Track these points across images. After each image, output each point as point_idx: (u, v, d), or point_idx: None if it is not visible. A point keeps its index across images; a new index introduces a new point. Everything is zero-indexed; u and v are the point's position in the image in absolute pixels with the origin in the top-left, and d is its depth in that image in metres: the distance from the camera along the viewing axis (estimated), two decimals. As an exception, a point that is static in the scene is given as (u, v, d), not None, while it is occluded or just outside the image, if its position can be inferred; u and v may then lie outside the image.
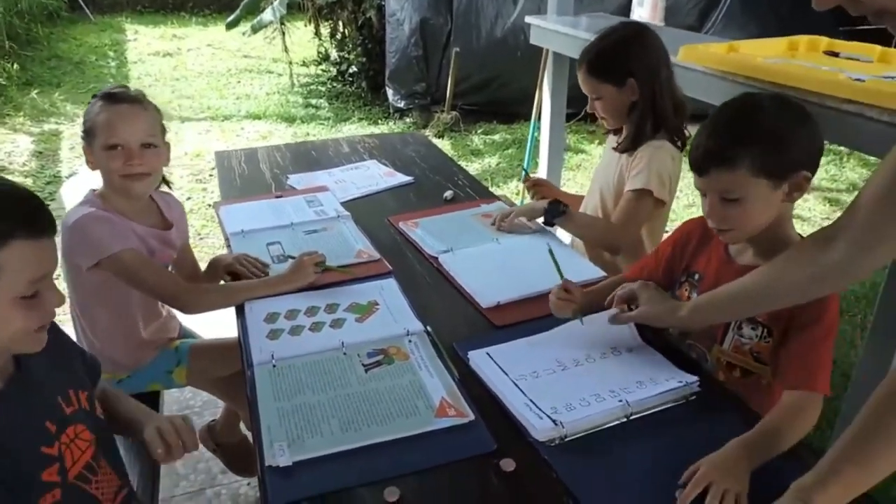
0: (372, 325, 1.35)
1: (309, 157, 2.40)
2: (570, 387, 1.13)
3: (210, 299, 1.49)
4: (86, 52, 7.88)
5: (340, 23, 6.70)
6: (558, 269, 1.39)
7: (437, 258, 1.64)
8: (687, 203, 4.13)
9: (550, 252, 1.46)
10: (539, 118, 3.43)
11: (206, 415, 2.23)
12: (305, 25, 7.31)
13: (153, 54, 7.93)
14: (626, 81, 1.65)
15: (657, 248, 1.47)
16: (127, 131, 1.43)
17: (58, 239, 0.91)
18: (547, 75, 3.14)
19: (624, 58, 1.65)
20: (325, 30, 7.00)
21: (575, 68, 1.75)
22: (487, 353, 1.23)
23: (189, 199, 4.06)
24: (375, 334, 1.30)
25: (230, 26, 6.72)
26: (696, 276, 1.33)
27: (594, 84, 1.69)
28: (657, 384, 1.13)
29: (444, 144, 5.12)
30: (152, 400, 1.62)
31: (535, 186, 1.99)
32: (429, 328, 1.33)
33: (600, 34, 1.72)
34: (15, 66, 6.56)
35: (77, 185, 4.24)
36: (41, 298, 0.87)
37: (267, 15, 6.45)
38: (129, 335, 1.58)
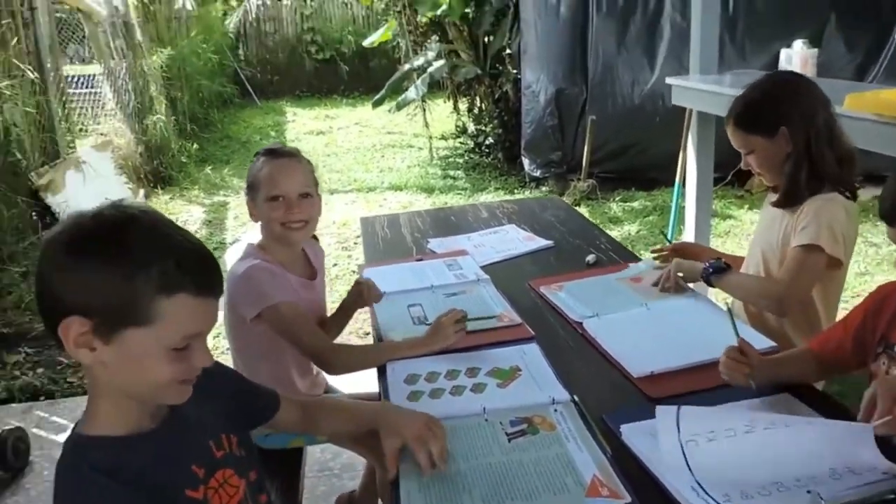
0: (515, 391, 1.29)
1: (448, 223, 2.44)
2: (746, 467, 0.98)
3: (353, 359, 1.52)
4: (252, 133, 8.75)
5: (478, 97, 6.95)
6: (735, 329, 1.26)
7: (581, 323, 1.56)
8: (859, 271, 3.70)
9: (729, 311, 1.33)
10: (683, 183, 3.28)
11: (345, 477, 2.24)
12: (445, 102, 7.68)
13: (308, 133, 8.66)
14: (778, 131, 1.52)
15: (846, 316, 1.29)
16: (286, 183, 1.53)
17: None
18: (691, 137, 3.01)
19: (774, 105, 1.54)
20: (462, 105, 7.31)
21: (720, 128, 1.65)
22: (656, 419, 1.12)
23: (335, 265, 4.27)
24: (519, 401, 1.24)
25: (376, 104, 7.20)
26: (896, 349, 1.15)
27: (744, 137, 1.58)
28: (857, 475, 0.96)
29: (582, 212, 5.02)
30: (294, 459, 1.64)
31: (675, 252, 1.84)
32: (575, 397, 1.25)
33: (749, 85, 1.62)
34: (194, 145, 7.43)
35: (239, 250, 4.61)
36: (191, 353, 0.88)
37: (410, 93, 6.85)
38: (284, 389, 1.62)
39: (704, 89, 2.55)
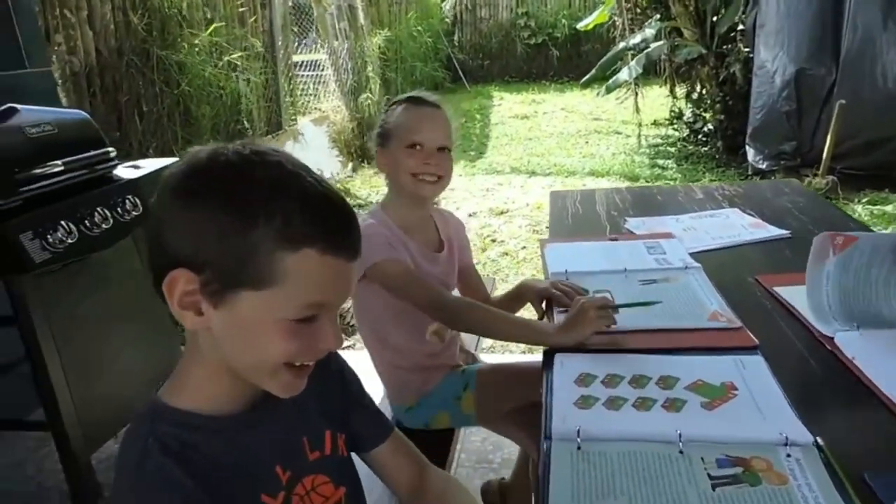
0: (726, 416, 0.93)
1: (653, 202, 2.06)
2: None
3: (473, 317, 1.31)
4: (458, 115, 8.78)
5: (699, 80, 6.25)
6: None
7: (832, 338, 1.13)
8: None
9: None
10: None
11: (504, 473, 2.00)
12: (661, 86, 7.05)
13: (513, 117, 8.52)
14: None
15: None
16: (427, 132, 1.36)
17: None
18: None
19: None
20: (680, 89, 6.63)
21: None
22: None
23: (524, 248, 4.04)
24: (731, 432, 0.88)
25: (585, 85, 6.84)
26: None
27: None
28: None
29: (836, 206, 4.25)
30: (441, 442, 1.43)
31: None
32: (820, 441, 0.86)
33: None
34: (401, 125, 7.65)
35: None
36: (314, 330, 0.69)
37: (622, 75, 6.37)
38: (416, 353, 1.46)
39: None
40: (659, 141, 6.54)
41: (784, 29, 4.89)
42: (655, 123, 6.91)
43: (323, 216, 0.67)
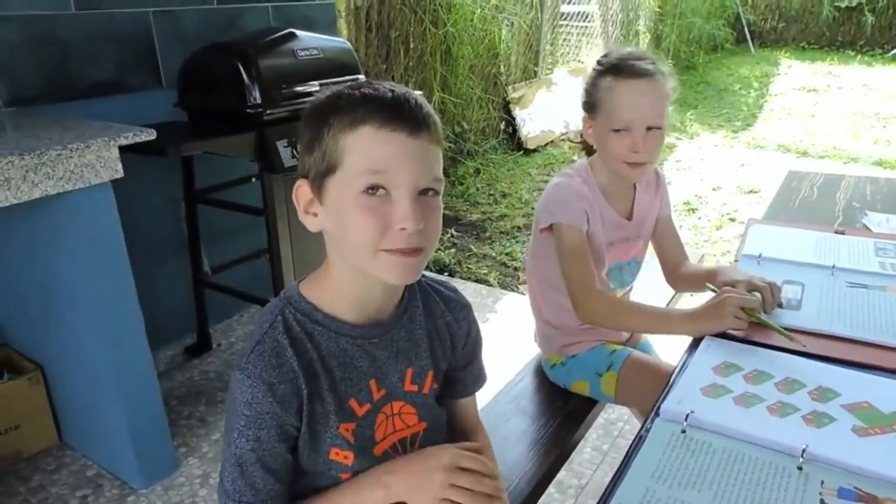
0: (878, 447, 0.79)
1: (914, 200, 1.72)
2: None
3: (600, 310, 1.27)
4: (732, 81, 8.04)
5: None
6: None
7: None
8: None
9: None
10: None
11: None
12: None
13: (798, 89, 7.51)
14: None
15: None
16: (637, 111, 1.25)
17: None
18: None
19: None
20: None
21: None
22: None
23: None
24: (871, 464, 0.75)
25: (894, 58, 5.71)
26: None
27: None
28: None
29: None
30: (584, 408, 1.41)
31: None
32: None
33: None
34: (667, 86, 7.22)
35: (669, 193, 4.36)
36: (389, 208, 0.73)
37: (952, 48, 5.20)
38: (568, 311, 1.39)
39: None
40: None
41: None
42: None
43: (381, 101, 0.74)
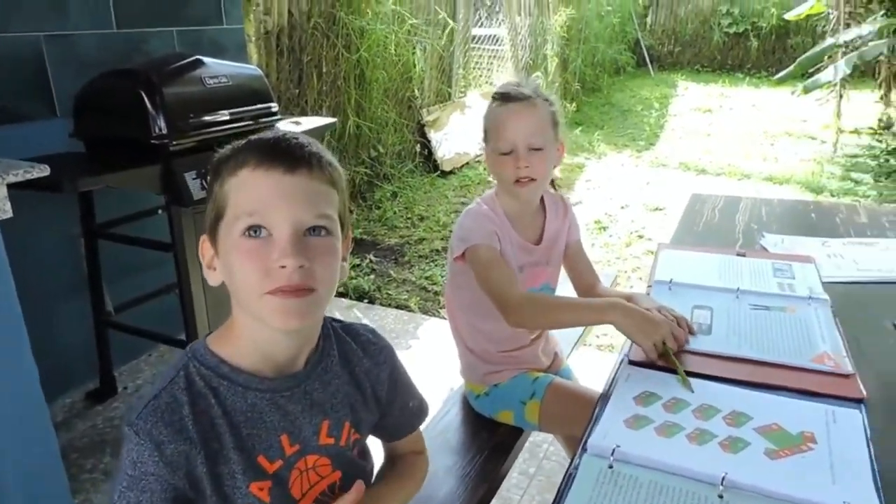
0: (788, 468, 0.83)
1: (804, 220, 1.85)
2: None
3: (529, 311, 1.27)
4: (635, 102, 8.46)
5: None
6: None
7: (960, 408, 0.96)
8: None
9: None
10: None
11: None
12: (873, 90, 6.22)
13: (695, 109, 7.99)
14: None
15: None
16: (517, 133, 1.31)
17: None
18: None
19: None
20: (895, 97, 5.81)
21: None
22: None
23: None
24: (787, 488, 0.79)
25: (780, 81, 6.21)
26: None
27: None
28: None
29: None
30: (512, 437, 1.41)
31: None
32: (896, 520, 0.74)
33: None
34: (573, 106, 7.49)
35: (579, 213, 4.49)
36: (270, 247, 0.71)
37: (826, 74, 5.69)
38: (501, 342, 1.44)
39: None
40: (858, 151, 5.78)
41: None
42: (857, 132, 6.11)
43: (259, 143, 0.75)
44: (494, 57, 6.88)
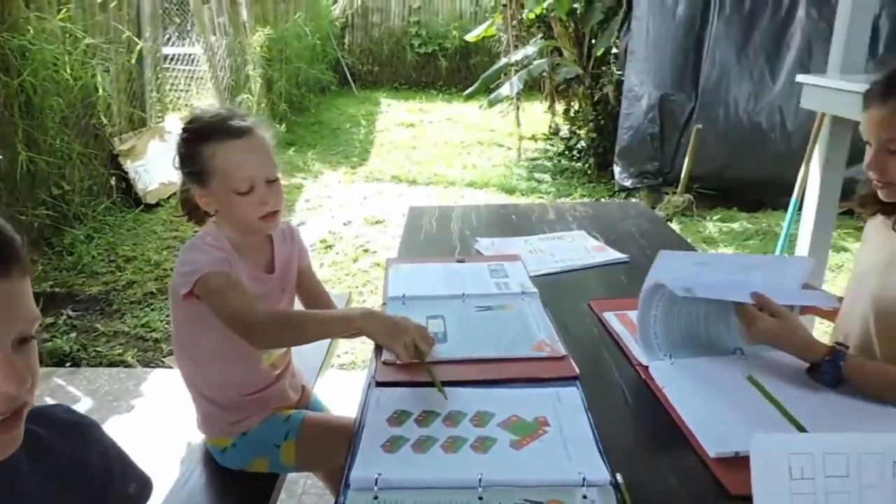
0: (532, 455, 0.91)
1: (507, 222, 2.07)
2: None
3: (273, 330, 1.20)
4: (343, 120, 8.69)
5: (576, 98, 6.51)
6: None
7: (647, 367, 1.16)
8: None
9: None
10: (800, 206, 2.74)
11: None
12: (542, 102, 7.28)
13: (399, 124, 8.49)
14: None
15: None
16: (255, 167, 1.25)
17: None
18: (819, 148, 2.49)
19: None
20: (559, 106, 6.89)
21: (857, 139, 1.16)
22: None
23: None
24: (532, 474, 0.86)
25: (468, 97, 6.91)
26: None
27: None
28: None
29: (673, 229, 4.52)
30: (260, 487, 1.32)
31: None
32: (619, 478, 0.86)
33: None
34: (283, 127, 7.40)
35: (303, 234, 4.45)
36: None
37: (504, 89, 6.50)
38: (242, 387, 1.34)
39: (846, 89, 2.04)
40: (537, 155, 6.73)
41: (651, 57, 5.19)
42: (534, 138, 7.11)
43: None
44: (192, 78, 6.48)
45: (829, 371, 1.07)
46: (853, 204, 1.33)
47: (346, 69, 10.72)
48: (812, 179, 2.51)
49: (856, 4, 2.22)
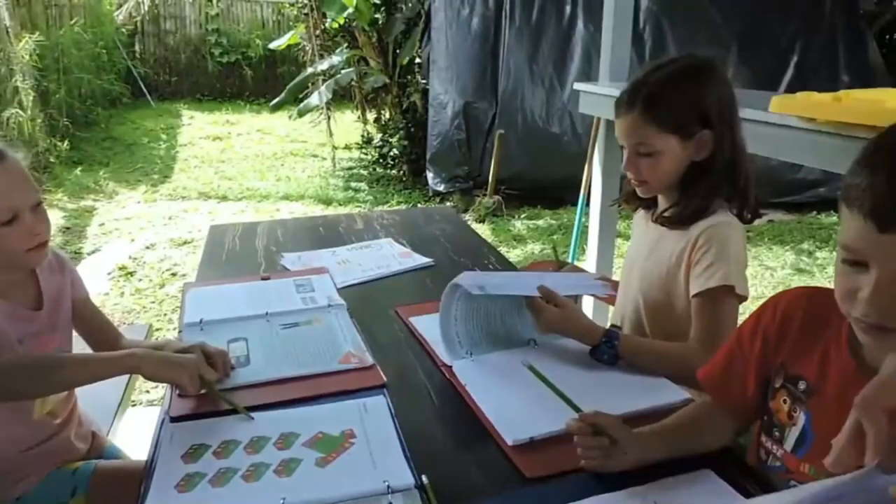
0: (338, 470, 0.90)
1: (315, 235, 2.04)
2: None
3: (17, 381, 1.08)
4: (140, 135, 8.02)
5: (385, 107, 6.62)
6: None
7: (451, 367, 1.20)
8: (756, 294, 3.54)
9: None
10: (588, 199, 3.03)
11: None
12: (353, 111, 7.30)
13: (204, 138, 8.02)
14: (697, 133, 1.21)
15: (733, 344, 0.98)
16: (19, 194, 1.12)
17: None
18: (598, 149, 2.77)
19: (698, 98, 1.21)
20: (370, 115, 6.95)
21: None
22: None
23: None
24: (338, 490, 0.85)
25: (275, 108, 6.73)
26: (802, 386, 0.88)
27: (652, 133, 1.21)
28: None
29: (485, 229, 4.77)
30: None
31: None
32: (425, 479, 0.88)
33: (653, 65, 1.26)
34: (66, 144, 6.65)
35: (98, 261, 4.04)
36: None
37: (313, 99, 6.42)
38: (17, 442, 1.18)
39: (614, 95, 2.28)
40: (352, 164, 6.73)
41: (452, 66, 5.42)
42: (348, 147, 7.10)
43: None
44: (-54, 92, 5.59)
45: (606, 351, 1.19)
46: (621, 199, 1.49)
47: (139, 79, 9.92)
48: (595, 178, 2.78)
49: (616, 20, 2.50)
